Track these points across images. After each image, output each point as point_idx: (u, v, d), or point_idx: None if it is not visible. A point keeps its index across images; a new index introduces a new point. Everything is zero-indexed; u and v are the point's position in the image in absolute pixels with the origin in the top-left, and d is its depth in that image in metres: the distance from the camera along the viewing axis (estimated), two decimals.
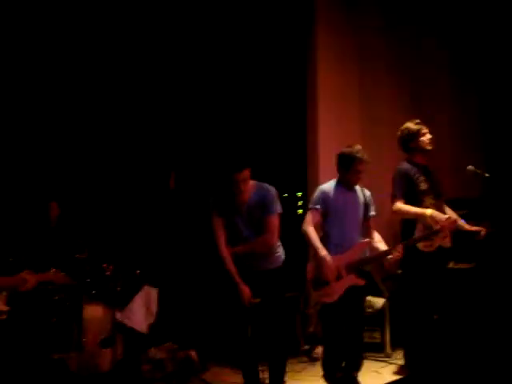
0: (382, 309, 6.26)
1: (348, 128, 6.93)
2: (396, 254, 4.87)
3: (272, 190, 4.89)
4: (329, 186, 5.02)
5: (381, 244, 5.02)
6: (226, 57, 7.01)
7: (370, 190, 5.16)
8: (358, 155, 4.88)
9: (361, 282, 4.86)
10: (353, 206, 4.98)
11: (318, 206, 4.92)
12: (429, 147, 5.30)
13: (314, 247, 4.85)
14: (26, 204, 6.27)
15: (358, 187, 5.03)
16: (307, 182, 6.94)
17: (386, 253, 4.91)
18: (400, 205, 5.13)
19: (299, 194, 7.40)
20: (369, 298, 6.10)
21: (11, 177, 6.39)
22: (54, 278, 4.01)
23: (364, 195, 5.05)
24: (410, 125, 5.32)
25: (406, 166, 5.29)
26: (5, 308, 3.82)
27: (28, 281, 3.67)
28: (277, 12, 6.95)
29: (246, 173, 4.73)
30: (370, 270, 6.02)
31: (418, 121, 5.36)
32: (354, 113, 7.09)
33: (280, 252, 4.97)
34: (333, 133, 6.81)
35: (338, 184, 4.98)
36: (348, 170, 4.90)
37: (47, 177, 6.58)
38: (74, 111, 6.70)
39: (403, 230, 5.29)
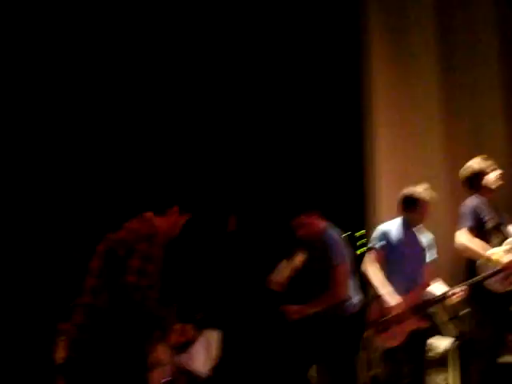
0: (447, 351, 6.10)
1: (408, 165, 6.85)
2: (460, 294, 4.75)
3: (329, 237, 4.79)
4: (390, 225, 4.93)
5: (440, 286, 4.92)
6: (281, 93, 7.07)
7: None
8: (422, 195, 4.80)
9: (424, 325, 4.76)
10: (416, 247, 4.88)
11: (378, 246, 4.83)
12: (495, 185, 5.15)
13: (377, 286, 4.75)
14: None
15: (420, 228, 4.95)
16: (365, 221, 6.89)
17: (448, 293, 4.80)
18: (467, 239, 4.86)
19: (360, 233, 7.33)
20: (432, 340, 5.96)
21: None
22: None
23: (426, 237, 4.96)
24: (474, 164, 5.21)
25: (475, 201, 5.08)
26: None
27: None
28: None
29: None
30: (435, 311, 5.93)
31: (483, 157, 5.21)
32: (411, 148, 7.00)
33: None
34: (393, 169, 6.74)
35: (400, 224, 4.89)
36: (412, 210, 4.81)
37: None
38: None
39: (468, 267, 5.16)
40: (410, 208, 4.83)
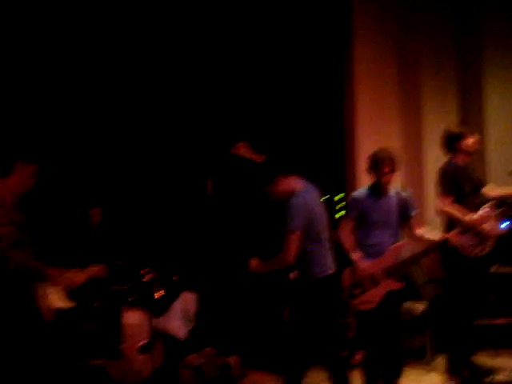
0: (423, 314, 6.15)
1: (387, 128, 6.87)
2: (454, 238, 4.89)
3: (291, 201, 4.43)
4: (360, 192, 5.03)
5: (433, 233, 4.98)
6: (265, 59, 7.01)
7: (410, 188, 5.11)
8: (382, 156, 4.85)
9: (398, 287, 4.80)
10: (386, 211, 4.92)
11: (349, 214, 4.96)
12: (473, 149, 5.26)
13: (348, 251, 4.86)
14: (68, 208, 6.35)
15: (392, 191, 4.96)
16: (345, 184, 6.89)
17: (427, 250, 4.87)
18: (447, 205, 5.13)
19: (338, 196, 7.32)
20: (409, 303, 6.01)
21: (56, 181, 6.47)
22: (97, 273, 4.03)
23: (400, 197, 4.97)
24: (453, 127, 5.33)
25: (451, 166, 5.26)
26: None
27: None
28: (314, 18, 6.92)
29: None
30: (412, 273, 5.98)
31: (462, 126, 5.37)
32: (392, 111, 7.01)
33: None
34: (371, 133, 6.76)
35: (370, 190, 4.97)
36: (376, 172, 4.87)
37: (90, 182, 6.66)
38: (115, 118, 6.78)
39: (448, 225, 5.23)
40: (376, 170, 4.87)
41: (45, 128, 6.38)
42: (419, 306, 6.17)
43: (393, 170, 4.86)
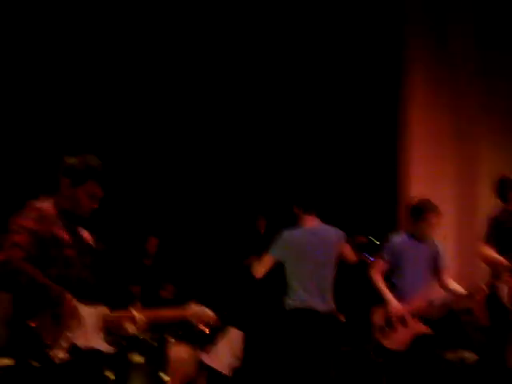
0: (476, 363, 5.98)
1: (442, 169, 6.82)
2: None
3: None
4: (399, 237, 5.11)
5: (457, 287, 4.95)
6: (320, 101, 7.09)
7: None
8: (431, 206, 4.90)
9: (425, 331, 4.76)
10: (421, 258, 4.97)
11: (384, 255, 5.02)
12: None
13: (380, 292, 4.92)
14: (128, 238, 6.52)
15: (431, 239, 4.98)
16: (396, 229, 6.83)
17: (457, 299, 4.94)
18: (485, 249, 5.08)
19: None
20: (461, 351, 5.89)
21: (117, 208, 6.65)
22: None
23: (435, 248, 5.01)
24: (507, 175, 5.27)
25: (500, 213, 5.18)
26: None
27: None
28: (368, 47, 6.97)
29: None
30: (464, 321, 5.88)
31: None
32: (447, 152, 6.96)
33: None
34: (426, 177, 6.73)
35: (409, 235, 5.02)
36: (418, 220, 4.90)
37: (148, 213, 6.82)
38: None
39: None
40: (417, 218, 4.89)
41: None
42: (472, 356, 6.01)
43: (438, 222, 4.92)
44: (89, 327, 3.09)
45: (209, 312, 3.41)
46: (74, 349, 3.00)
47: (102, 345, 3.12)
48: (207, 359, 5.62)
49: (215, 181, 7.11)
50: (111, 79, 6.87)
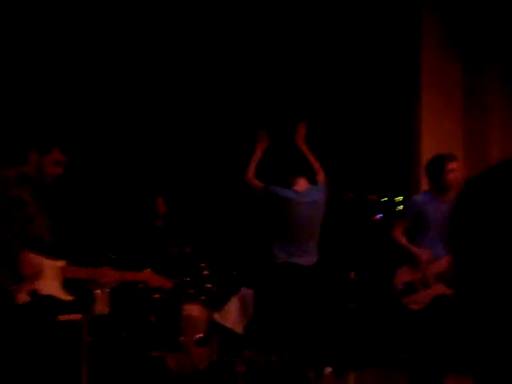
0: None
1: (451, 132, 6.76)
2: None
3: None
4: (420, 195, 5.05)
5: None
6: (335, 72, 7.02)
7: None
8: (445, 154, 4.83)
9: (448, 292, 4.73)
10: (444, 215, 4.79)
11: (407, 217, 4.92)
12: None
13: (404, 247, 4.85)
14: (133, 199, 6.48)
15: (453, 197, 4.86)
16: (410, 186, 6.80)
17: None
18: None
19: (399, 198, 7.23)
20: None
21: (120, 172, 6.61)
22: (147, 279, 4.04)
23: None
24: None
25: None
26: (107, 311, 3.91)
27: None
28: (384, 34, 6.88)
29: None
30: None
31: None
32: (457, 118, 6.88)
33: None
34: (435, 139, 6.66)
35: (430, 192, 4.92)
36: (438, 174, 4.78)
37: (155, 173, 6.78)
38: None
39: None
40: (436, 172, 4.79)
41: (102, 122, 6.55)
42: None
43: (457, 170, 4.79)
44: (48, 277, 3.64)
45: (161, 279, 3.92)
46: (34, 294, 3.57)
47: (59, 293, 3.66)
48: (219, 318, 5.63)
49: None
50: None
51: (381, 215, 6.65)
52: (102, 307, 4.31)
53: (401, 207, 7.15)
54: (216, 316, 5.59)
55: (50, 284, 3.65)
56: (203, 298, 5.59)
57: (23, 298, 3.55)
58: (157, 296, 5.43)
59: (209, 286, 5.69)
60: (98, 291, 4.26)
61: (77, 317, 4.35)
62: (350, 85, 6.99)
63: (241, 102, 7.06)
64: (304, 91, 7.02)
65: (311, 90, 7.02)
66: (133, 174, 6.72)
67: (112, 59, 6.73)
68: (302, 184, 5.62)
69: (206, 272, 5.66)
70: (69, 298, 3.71)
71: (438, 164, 4.79)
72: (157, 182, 6.69)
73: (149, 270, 3.95)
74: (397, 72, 6.92)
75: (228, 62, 6.98)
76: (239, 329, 5.71)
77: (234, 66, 7.00)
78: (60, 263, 3.70)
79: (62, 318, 3.99)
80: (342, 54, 6.94)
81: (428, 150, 6.44)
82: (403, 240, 4.87)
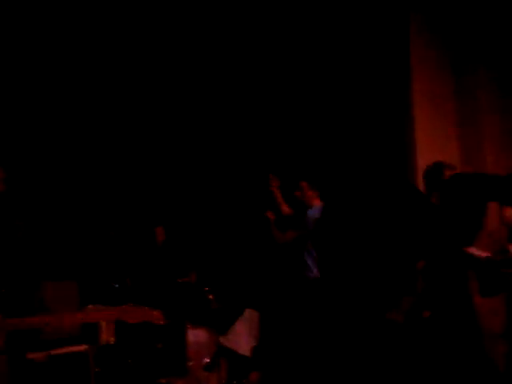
0: None
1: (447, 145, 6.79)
2: None
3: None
4: None
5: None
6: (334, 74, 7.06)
7: None
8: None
9: None
10: None
11: None
12: None
13: None
14: (133, 228, 6.51)
15: None
16: None
17: None
18: None
19: None
20: None
21: (121, 201, 6.64)
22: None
23: None
24: None
25: None
26: (112, 340, 3.62)
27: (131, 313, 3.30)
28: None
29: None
30: None
31: None
32: (451, 128, 6.91)
33: None
34: (430, 146, 6.69)
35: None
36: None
37: (154, 202, 6.81)
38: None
39: None
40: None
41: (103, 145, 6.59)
42: None
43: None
44: None
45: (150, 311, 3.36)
46: None
47: None
48: (226, 342, 5.63)
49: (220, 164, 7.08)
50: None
51: None
52: (107, 337, 4.28)
53: None
54: (222, 339, 5.59)
55: None
56: (208, 322, 5.59)
57: None
58: (162, 322, 5.44)
59: (214, 309, 5.70)
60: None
61: (83, 348, 4.29)
62: (341, 94, 7.01)
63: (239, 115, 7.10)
64: (299, 96, 7.06)
65: (306, 94, 7.06)
66: (132, 200, 6.74)
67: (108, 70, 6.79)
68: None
69: (210, 296, 5.67)
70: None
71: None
72: (156, 208, 6.72)
73: (129, 304, 3.46)
74: (387, 78, 6.94)
75: (219, 66, 7.01)
76: (246, 351, 5.71)
77: (225, 68, 7.03)
78: None
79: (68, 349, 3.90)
80: (333, 62, 6.97)
81: (423, 157, 6.48)
82: None
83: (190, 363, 5.42)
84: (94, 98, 6.73)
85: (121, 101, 6.84)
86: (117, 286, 5.56)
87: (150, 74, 6.92)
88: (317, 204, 5.76)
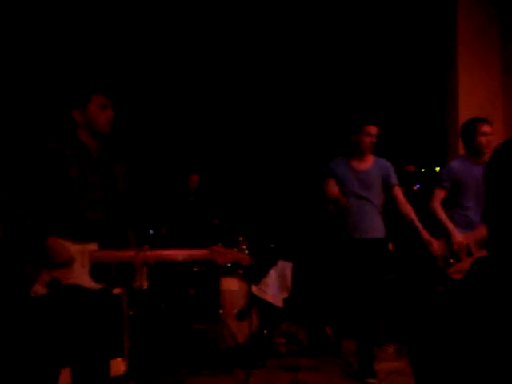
0: None
1: (490, 99, 6.60)
2: None
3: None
4: (456, 161, 4.91)
5: None
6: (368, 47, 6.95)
7: None
8: (478, 117, 4.74)
9: None
10: (481, 181, 4.69)
11: (444, 184, 4.82)
12: None
13: (442, 223, 4.76)
14: (168, 176, 6.52)
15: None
16: (447, 157, 6.71)
17: None
18: None
19: (437, 169, 7.14)
20: None
21: (156, 149, 6.65)
22: (214, 257, 3.28)
23: None
24: None
25: None
26: (146, 285, 3.65)
27: (145, 257, 3.27)
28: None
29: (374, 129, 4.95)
30: None
31: None
32: (495, 81, 6.72)
33: None
34: (474, 106, 6.53)
35: (465, 157, 4.84)
36: (471, 137, 4.70)
37: (190, 150, 6.82)
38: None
39: None
40: (470, 135, 4.71)
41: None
42: None
43: (491, 133, 4.69)
44: (74, 264, 3.17)
45: (237, 253, 3.29)
46: (53, 284, 3.13)
47: (86, 281, 3.18)
48: (258, 291, 5.66)
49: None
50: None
51: (419, 186, 6.58)
52: (141, 281, 4.30)
53: None
54: (255, 289, 5.62)
55: (78, 272, 3.18)
56: (241, 271, 5.61)
57: (40, 289, 3.14)
58: (196, 269, 5.49)
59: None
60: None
61: (117, 290, 4.34)
62: (384, 53, 6.91)
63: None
64: (339, 58, 6.97)
65: (346, 57, 6.96)
66: (168, 151, 6.76)
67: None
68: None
69: (244, 245, 5.67)
70: (97, 286, 3.21)
71: (470, 127, 4.73)
72: (191, 157, 6.72)
73: (219, 245, 3.27)
74: (432, 37, 6.80)
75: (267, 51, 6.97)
76: (278, 301, 5.74)
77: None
78: (90, 247, 3.20)
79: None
80: (378, 17, 6.85)
81: (465, 117, 6.34)
82: (442, 215, 4.78)
83: (222, 311, 5.47)
84: None
85: None
86: (151, 232, 5.60)
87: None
88: None
